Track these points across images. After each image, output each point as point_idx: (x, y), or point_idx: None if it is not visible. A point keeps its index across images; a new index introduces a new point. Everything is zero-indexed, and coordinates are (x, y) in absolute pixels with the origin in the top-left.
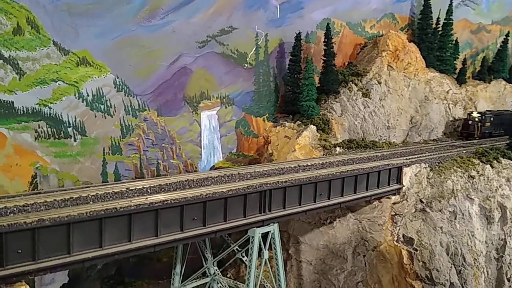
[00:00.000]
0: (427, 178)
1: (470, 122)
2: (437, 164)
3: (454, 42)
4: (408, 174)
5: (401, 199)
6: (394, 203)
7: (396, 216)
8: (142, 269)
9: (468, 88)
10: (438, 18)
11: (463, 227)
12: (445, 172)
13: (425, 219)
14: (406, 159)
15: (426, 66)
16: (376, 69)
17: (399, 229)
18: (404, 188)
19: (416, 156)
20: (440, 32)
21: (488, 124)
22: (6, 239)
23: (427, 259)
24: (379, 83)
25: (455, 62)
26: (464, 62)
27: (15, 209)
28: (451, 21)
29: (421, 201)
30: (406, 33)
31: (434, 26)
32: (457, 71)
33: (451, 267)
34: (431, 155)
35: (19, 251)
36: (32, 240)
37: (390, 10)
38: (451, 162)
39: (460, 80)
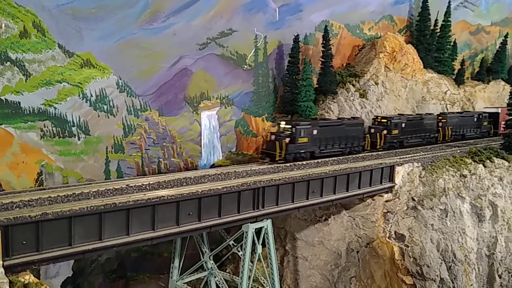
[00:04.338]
0: (419, 176)
1: (273, 137)
2: (429, 163)
3: (452, 43)
4: (400, 173)
5: (394, 197)
6: (386, 201)
7: (388, 214)
8: (144, 264)
9: (467, 89)
10: (436, 20)
11: (454, 224)
12: (437, 171)
13: (416, 216)
14: (400, 158)
15: (424, 67)
16: (374, 70)
17: (391, 226)
18: (396, 187)
19: (409, 155)
20: (438, 34)
21: (304, 139)
22: (12, 231)
23: (418, 255)
24: (376, 84)
25: (453, 63)
26: (462, 63)
27: (20, 203)
28: (449, 23)
29: (413, 199)
30: (404, 35)
31: (432, 27)
32: (456, 72)
33: (441, 263)
34: (424, 154)
35: (24, 242)
36: (36, 232)
37: (389, 12)
38: (443, 161)
39: (459, 80)
